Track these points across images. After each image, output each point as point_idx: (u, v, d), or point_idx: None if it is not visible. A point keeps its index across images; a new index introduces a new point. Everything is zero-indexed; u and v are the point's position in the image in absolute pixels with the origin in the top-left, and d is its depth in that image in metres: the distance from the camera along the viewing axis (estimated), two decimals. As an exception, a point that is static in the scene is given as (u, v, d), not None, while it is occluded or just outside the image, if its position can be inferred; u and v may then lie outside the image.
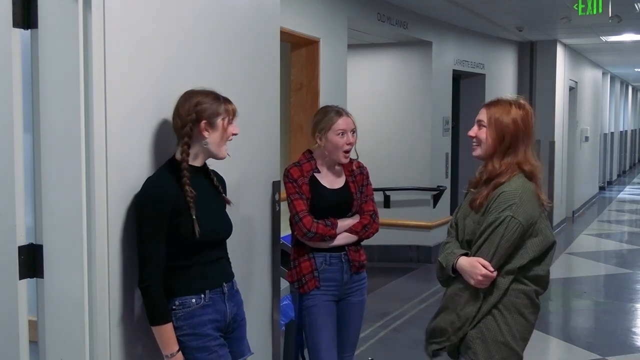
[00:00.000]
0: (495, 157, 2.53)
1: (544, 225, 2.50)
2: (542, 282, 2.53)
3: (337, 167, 3.26)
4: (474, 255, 2.47)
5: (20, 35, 2.25)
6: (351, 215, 3.23)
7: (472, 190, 2.63)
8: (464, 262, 2.48)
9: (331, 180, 3.23)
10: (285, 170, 3.19)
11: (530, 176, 2.52)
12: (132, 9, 2.39)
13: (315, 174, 3.20)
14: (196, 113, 2.40)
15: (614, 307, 6.30)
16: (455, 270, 2.51)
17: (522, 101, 2.57)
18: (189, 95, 2.45)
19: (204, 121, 2.41)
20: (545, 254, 2.50)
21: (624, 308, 6.32)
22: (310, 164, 3.21)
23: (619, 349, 5.12)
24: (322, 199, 3.17)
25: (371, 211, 3.27)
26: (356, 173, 3.30)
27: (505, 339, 2.46)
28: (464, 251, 2.52)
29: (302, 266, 3.19)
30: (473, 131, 2.60)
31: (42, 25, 2.25)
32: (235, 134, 2.53)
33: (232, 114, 2.50)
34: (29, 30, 2.27)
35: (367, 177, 3.34)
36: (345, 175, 3.28)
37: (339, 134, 3.12)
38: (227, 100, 2.50)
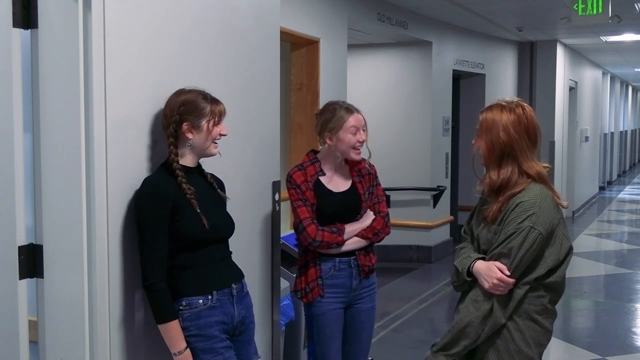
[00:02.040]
0: (490, 167, 2.43)
1: (561, 233, 2.41)
2: (558, 289, 2.46)
3: (343, 167, 3.12)
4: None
5: (20, 35, 2.25)
6: (359, 218, 3.10)
7: (484, 197, 2.54)
8: (480, 265, 2.40)
9: (337, 183, 3.09)
10: (287, 175, 3.05)
11: (540, 181, 2.41)
12: (132, 9, 2.39)
13: (320, 177, 3.06)
14: (179, 114, 2.39)
15: (614, 307, 6.30)
16: (470, 274, 2.43)
17: (514, 104, 2.44)
18: (175, 95, 2.44)
19: (186, 123, 2.40)
20: (562, 261, 2.42)
21: (624, 308, 6.32)
22: (314, 166, 3.06)
23: (619, 349, 5.11)
24: (328, 204, 3.03)
25: (385, 213, 3.14)
26: (364, 173, 3.15)
27: (517, 346, 2.40)
28: (481, 255, 2.44)
29: (308, 273, 3.06)
30: (474, 139, 2.51)
31: (42, 25, 2.25)
32: (223, 135, 2.50)
33: (218, 115, 2.46)
34: (29, 30, 2.27)
35: (376, 177, 3.19)
36: (352, 175, 3.13)
37: (351, 132, 3.00)
38: (214, 101, 2.46)
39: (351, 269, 3.08)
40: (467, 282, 2.46)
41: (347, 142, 3.01)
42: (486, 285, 2.37)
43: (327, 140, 3.04)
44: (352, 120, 3.02)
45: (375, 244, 3.18)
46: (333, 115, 3.03)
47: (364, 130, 3.06)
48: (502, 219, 2.39)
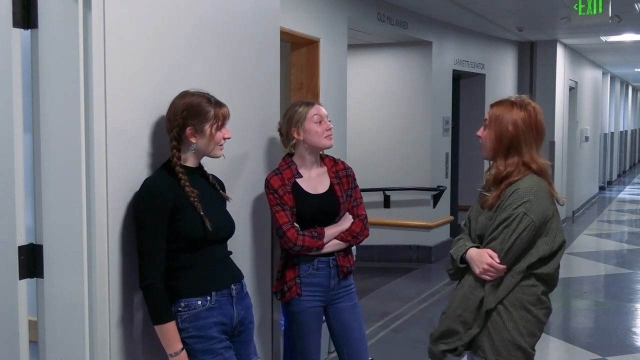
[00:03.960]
0: (498, 158, 2.55)
1: (555, 225, 2.51)
2: (550, 280, 2.54)
3: (320, 168, 3.14)
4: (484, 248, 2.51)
5: (20, 35, 2.26)
6: (338, 220, 3.11)
7: (483, 191, 2.64)
8: (472, 252, 2.52)
9: (314, 185, 3.09)
10: (265, 180, 3.05)
11: (540, 174, 2.52)
12: (133, 9, 2.39)
13: (297, 180, 3.06)
14: (183, 118, 2.38)
15: (614, 307, 6.30)
16: (463, 261, 2.54)
17: (526, 101, 2.55)
18: (179, 98, 2.43)
19: (189, 127, 2.40)
20: (555, 253, 2.51)
21: (624, 308, 6.32)
22: (290, 169, 3.06)
23: (619, 349, 5.11)
24: (307, 206, 3.03)
25: (363, 216, 3.16)
26: (341, 175, 3.17)
27: (511, 335, 2.47)
28: (475, 244, 2.56)
29: (287, 274, 3.08)
30: (480, 131, 2.62)
31: (42, 25, 2.25)
32: (227, 138, 2.50)
33: (222, 119, 2.45)
34: (29, 30, 2.27)
35: (354, 180, 3.21)
36: (330, 176, 3.15)
37: (315, 121, 3.03)
38: (218, 104, 2.46)
39: (330, 268, 3.09)
40: (461, 269, 2.57)
41: (314, 131, 3.04)
42: (477, 270, 2.48)
43: (295, 136, 3.05)
44: (313, 110, 3.06)
45: (355, 245, 3.19)
46: (295, 112, 3.07)
47: (328, 120, 3.10)
48: (498, 206, 2.50)
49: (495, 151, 2.55)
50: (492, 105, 2.61)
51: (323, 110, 3.09)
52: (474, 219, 2.63)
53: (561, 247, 2.53)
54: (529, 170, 2.51)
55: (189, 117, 2.39)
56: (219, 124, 2.45)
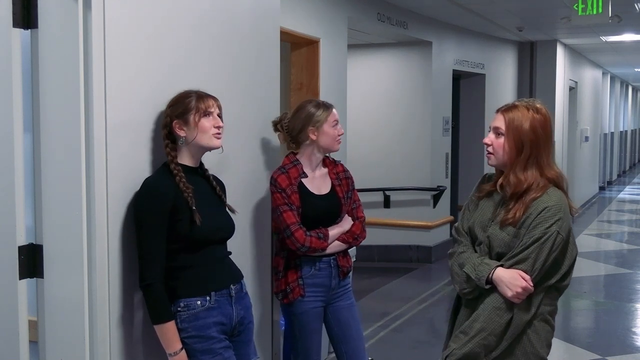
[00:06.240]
0: (517, 168, 2.37)
1: (572, 238, 2.42)
2: (564, 290, 2.48)
3: (323, 169, 3.18)
4: (510, 268, 2.34)
5: (20, 35, 2.26)
6: (339, 221, 3.15)
7: (482, 197, 2.51)
8: (503, 273, 2.32)
9: (318, 185, 3.13)
10: (271, 178, 3.06)
11: (558, 186, 2.40)
12: (133, 9, 2.39)
13: (302, 179, 3.09)
14: (169, 115, 2.43)
15: (614, 307, 6.30)
16: (488, 282, 2.36)
17: (538, 105, 2.41)
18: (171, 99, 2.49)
19: (176, 121, 2.43)
20: (572, 266, 2.43)
21: (624, 308, 6.32)
22: (296, 168, 3.08)
23: (619, 349, 5.11)
24: (312, 207, 3.06)
25: (362, 218, 3.22)
26: (341, 177, 3.22)
27: (535, 349, 2.39)
28: (498, 262, 2.37)
29: (288, 274, 3.10)
30: (489, 139, 2.44)
31: (42, 25, 2.26)
32: (218, 127, 2.47)
33: (204, 107, 2.43)
34: (29, 30, 2.27)
35: (353, 182, 3.27)
36: (331, 177, 3.19)
37: (333, 125, 3.09)
38: (201, 95, 2.46)
39: (331, 269, 3.13)
40: (478, 288, 2.39)
41: (331, 134, 3.09)
42: (509, 293, 2.32)
43: (311, 135, 3.07)
44: (333, 115, 3.12)
45: (354, 247, 3.24)
46: (316, 110, 3.09)
47: (339, 125, 3.17)
48: (522, 222, 2.35)
49: (513, 161, 2.38)
50: (505, 112, 2.42)
51: (337, 116, 3.16)
52: (480, 231, 2.46)
53: (576, 257, 2.45)
54: (547, 182, 2.37)
55: (174, 112, 2.43)
56: (202, 112, 2.43)
